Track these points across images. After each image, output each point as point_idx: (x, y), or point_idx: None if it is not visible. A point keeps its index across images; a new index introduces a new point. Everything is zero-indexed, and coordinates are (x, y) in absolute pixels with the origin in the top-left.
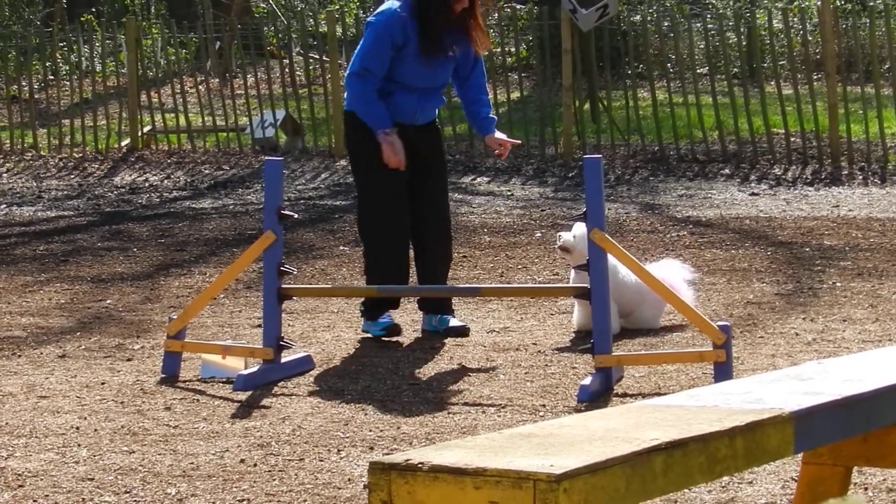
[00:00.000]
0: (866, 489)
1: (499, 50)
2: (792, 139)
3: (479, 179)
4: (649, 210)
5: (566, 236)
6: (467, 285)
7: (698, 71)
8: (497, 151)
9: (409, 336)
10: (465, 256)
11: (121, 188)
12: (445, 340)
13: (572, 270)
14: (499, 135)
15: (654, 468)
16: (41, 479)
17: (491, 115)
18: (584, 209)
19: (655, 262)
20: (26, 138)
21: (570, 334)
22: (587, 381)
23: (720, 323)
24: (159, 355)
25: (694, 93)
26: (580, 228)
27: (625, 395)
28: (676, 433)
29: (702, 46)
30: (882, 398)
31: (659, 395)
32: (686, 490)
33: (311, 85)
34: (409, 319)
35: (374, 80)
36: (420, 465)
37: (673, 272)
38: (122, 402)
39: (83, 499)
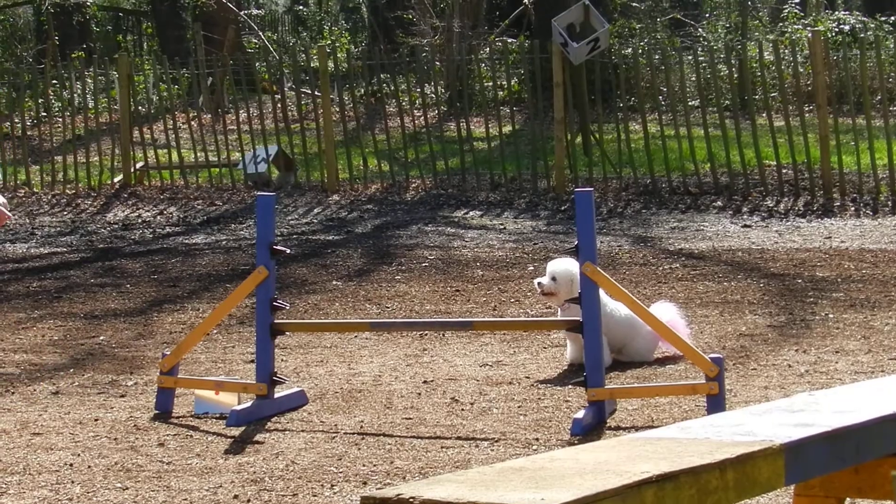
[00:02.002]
0: None
1: (490, 84)
2: (784, 171)
3: (471, 213)
4: (641, 243)
5: (545, 281)
6: (460, 319)
7: (690, 103)
8: None
9: (402, 371)
10: (457, 290)
11: (114, 224)
12: (439, 375)
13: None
14: None
15: (645, 501)
16: None
17: None
18: (576, 242)
19: (650, 305)
20: (19, 175)
21: (562, 367)
22: (580, 414)
23: (713, 355)
24: (153, 391)
25: (685, 125)
26: (557, 267)
27: (618, 427)
28: (667, 466)
29: (693, 79)
30: (873, 429)
31: (652, 427)
32: None
33: (303, 120)
34: (402, 354)
35: None
36: (411, 500)
37: (670, 311)
38: (115, 439)
39: None
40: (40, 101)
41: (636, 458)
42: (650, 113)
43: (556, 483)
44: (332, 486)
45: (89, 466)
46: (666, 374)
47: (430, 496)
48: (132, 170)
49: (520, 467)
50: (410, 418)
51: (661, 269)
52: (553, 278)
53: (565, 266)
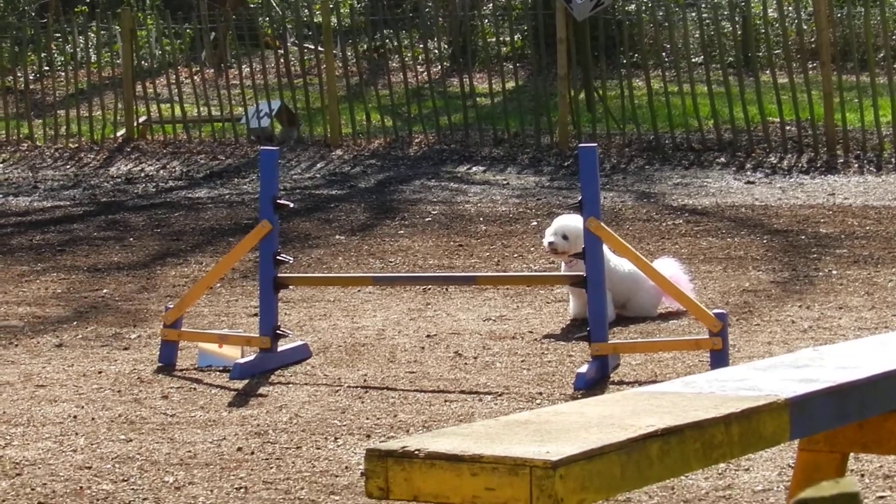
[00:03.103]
0: (862, 476)
1: (494, 39)
2: (787, 128)
3: (474, 169)
4: (645, 199)
5: (557, 241)
6: (463, 274)
7: (693, 60)
8: None
9: (405, 325)
10: (461, 245)
11: (117, 178)
12: (442, 329)
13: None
14: None
15: (650, 455)
16: (39, 468)
17: None
18: (580, 198)
19: (653, 261)
20: (22, 129)
21: (566, 322)
22: (584, 368)
23: (716, 311)
24: (156, 344)
25: (689, 82)
26: (567, 223)
27: (621, 382)
28: (672, 420)
29: (696, 36)
30: (878, 385)
31: (655, 382)
32: (683, 477)
33: (306, 75)
34: (405, 308)
35: None
36: (416, 452)
37: (673, 267)
38: (119, 391)
39: (81, 487)
40: (43, 55)
41: (641, 412)
42: (654, 69)
43: (561, 436)
44: (336, 438)
45: (93, 418)
46: (669, 329)
47: (435, 448)
48: (135, 124)
49: (525, 420)
50: (414, 372)
51: (664, 224)
52: (564, 237)
53: (575, 223)
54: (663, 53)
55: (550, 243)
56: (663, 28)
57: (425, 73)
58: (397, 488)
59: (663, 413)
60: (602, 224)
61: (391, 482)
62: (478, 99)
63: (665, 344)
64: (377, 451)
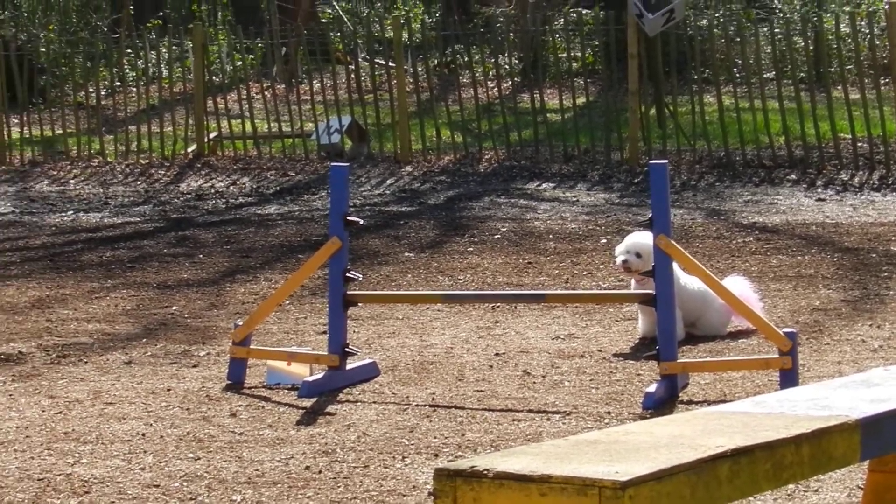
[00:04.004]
0: None
1: (564, 55)
2: (859, 144)
3: (544, 185)
4: (715, 216)
5: (629, 258)
6: (532, 291)
7: (765, 76)
8: None
9: (474, 343)
10: (530, 263)
11: (187, 194)
12: (511, 347)
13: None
14: None
15: (720, 475)
16: (107, 486)
17: None
18: (650, 215)
19: (723, 279)
20: (93, 145)
21: (634, 341)
22: (652, 387)
23: (786, 329)
24: (225, 362)
25: (760, 98)
26: (640, 241)
27: (690, 402)
28: (742, 440)
29: (768, 51)
30: None
31: (724, 402)
32: (752, 498)
33: (376, 91)
34: (474, 326)
35: None
36: (485, 472)
37: (742, 285)
38: (187, 409)
39: None
40: (115, 70)
41: (710, 431)
42: (725, 85)
43: (631, 456)
44: (404, 458)
45: (161, 436)
46: (738, 348)
47: (504, 468)
48: (206, 140)
49: (594, 440)
50: (482, 391)
51: (734, 242)
52: (637, 255)
53: (647, 241)
54: (734, 69)
55: (624, 261)
56: (735, 43)
57: (496, 88)
58: None
59: (733, 433)
60: (672, 242)
61: (460, 502)
62: (548, 115)
63: (734, 363)
64: (446, 470)
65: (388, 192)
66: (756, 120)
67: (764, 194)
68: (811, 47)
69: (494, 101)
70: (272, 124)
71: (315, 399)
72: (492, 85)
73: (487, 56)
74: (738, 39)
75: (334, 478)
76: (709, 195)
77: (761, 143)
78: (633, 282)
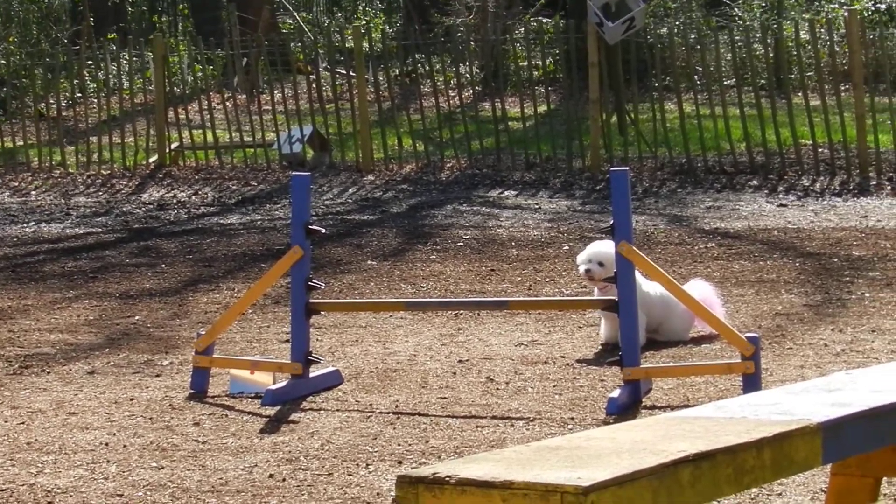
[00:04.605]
0: None
1: (525, 63)
2: (820, 150)
3: (506, 193)
4: (677, 222)
5: (592, 267)
6: (495, 298)
7: (725, 83)
8: None
9: (437, 351)
10: (492, 270)
11: (149, 204)
12: (474, 354)
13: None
14: None
15: (682, 480)
16: (70, 496)
17: None
18: (612, 221)
19: (685, 284)
20: (54, 156)
21: (597, 347)
22: (616, 393)
23: (749, 334)
24: (188, 371)
25: (721, 104)
26: (599, 252)
27: (654, 407)
28: (704, 445)
29: (729, 58)
30: None
31: (687, 406)
32: (715, 502)
33: (338, 100)
34: (437, 334)
35: None
36: (447, 479)
37: (705, 289)
38: (150, 418)
39: None
40: (75, 82)
41: (673, 436)
42: (686, 92)
43: (593, 462)
44: (368, 465)
45: (125, 446)
46: (702, 353)
47: (466, 475)
48: (167, 150)
49: (556, 446)
50: (446, 398)
51: (696, 248)
52: (600, 263)
53: (609, 249)
54: (695, 76)
55: (587, 270)
56: (695, 51)
57: (457, 97)
58: None
59: (695, 438)
60: (634, 248)
61: None
62: (509, 123)
63: (697, 368)
64: (408, 477)
65: (350, 200)
66: (717, 126)
67: (726, 200)
68: (771, 54)
69: (456, 109)
70: (233, 134)
71: (279, 407)
72: (453, 94)
73: (448, 65)
74: (699, 47)
75: (298, 486)
76: (671, 201)
77: (722, 150)
78: (595, 289)
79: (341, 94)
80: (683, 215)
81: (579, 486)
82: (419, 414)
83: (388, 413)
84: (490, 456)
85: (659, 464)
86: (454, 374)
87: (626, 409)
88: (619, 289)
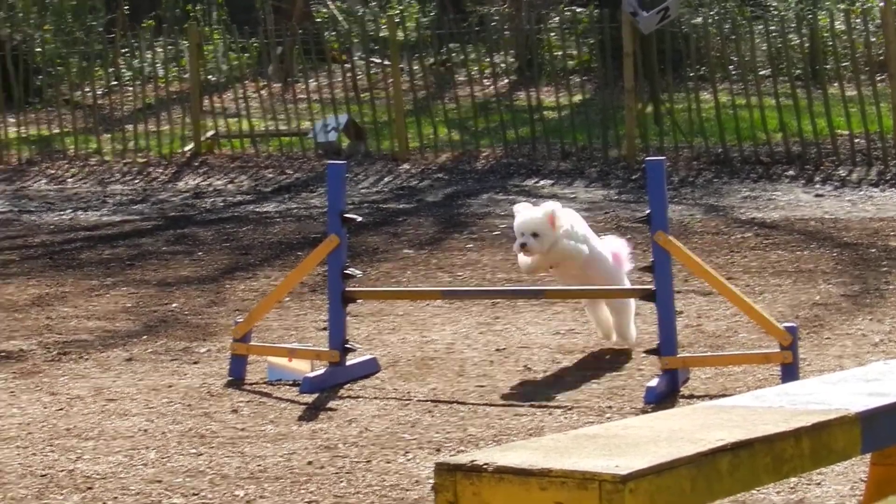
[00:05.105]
0: None
1: (560, 53)
2: (856, 140)
3: (542, 182)
4: (713, 212)
5: (528, 241)
6: (532, 287)
7: (760, 73)
8: None
9: (474, 339)
10: None
11: (185, 192)
12: (512, 343)
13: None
14: None
15: (720, 469)
16: (110, 482)
17: None
18: (648, 211)
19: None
20: (90, 144)
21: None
22: (654, 382)
23: (786, 324)
24: (225, 358)
25: (757, 95)
26: (529, 221)
27: (691, 396)
28: (742, 434)
29: (764, 48)
30: None
31: (725, 396)
32: (754, 491)
33: (372, 89)
34: (474, 322)
35: None
36: (486, 466)
37: (618, 244)
38: (189, 405)
39: (152, 501)
40: (111, 70)
41: (710, 426)
42: (721, 82)
43: (631, 450)
44: (406, 453)
45: (163, 432)
46: (739, 342)
47: (504, 462)
48: (203, 138)
49: (594, 434)
50: (483, 386)
51: (733, 238)
52: (534, 234)
53: (539, 215)
54: (730, 66)
55: (522, 245)
56: (730, 41)
57: (492, 86)
58: (466, 502)
59: (733, 427)
60: (671, 238)
61: (460, 496)
62: (545, 112)
63: (735, 358)
64: (446, 464)
65: (385, 189)
66: (753, 117)
67: (762, 190)
68: (807, 44)
69: (491, 99)
70: (269, 123)
71: (316, 395)
72: (488, 83)
73: (483, 54)
74: (734, 37)
75: (336, 473)
76: (707, 191)
77: (758, 140)
78: (526, 259)
79: (376, 83)
80: (720, 205)
81: (617, 474)
82: (457, 402)
83: (426, 401)
84: (528, 444)
85: (697, 452)
86: (491, 362)
87: (663, 398)
88: (656, 278)
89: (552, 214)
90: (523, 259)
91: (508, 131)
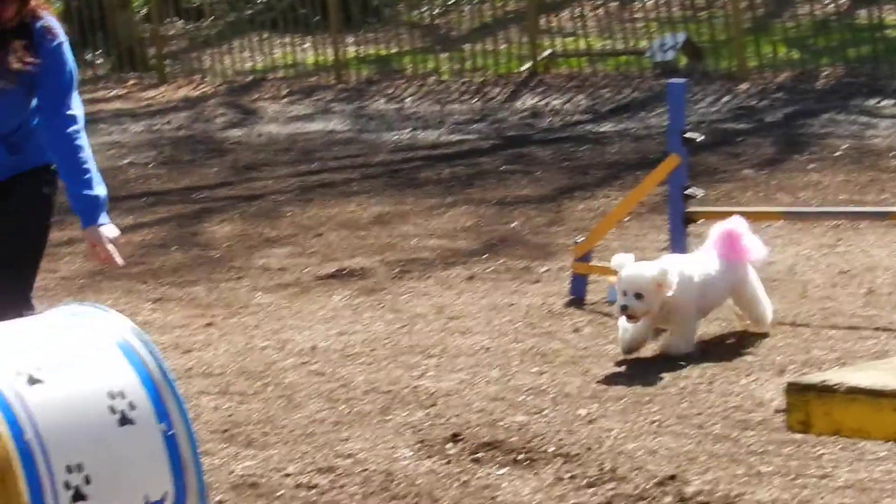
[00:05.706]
0: None
1: None
2: None
3: (884, 102)
4: None
5: (629, 302)
6: (877, 209)
7: None
8: (93, 256)
9: (816, 261)
10: (871, 180)
11: (522, 112)
12: (855, 265)
13: None
14: (105, 232)
15: None
16: (453, 398)
17: (89, 193)
18: None
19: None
20: (428, 63)
21: None
22: None
23: None
24: (565, 278)
25: None
26: (634, 280)
27: None
28: None
29: None
30: None
31: None
32: None
33: (710, 7)
34: (816, 244)
35: None
36: (837, 387)
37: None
38: (530, 324)
39: (494, 419)
40: None
41: None
42: None
43: None
44: (748, 374)
45: (504, 351)
46: None
47: (855, 383)
48: (539, 58)
49: None
50: (826, 308)
51: None
52: (638, 295)
53: (648, 274)
54: None
55: (623, 307)
56: None
57: (832, 4)
58: (818, 422)
59: None
60: None
61: (812, 416)
62: (886, 31)
63: None
64: (797, 384)
65: (724, 109)
66: None
67: None
68: None
69: (831, 16)
70: (606, 42)
71: None
72: (827, 1)
73: None
74: None
75: (678, 393)
76: None
77: None
78: (628, 325)
79: (714, 1)
80: None
81: None
82: (799, 324)
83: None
84: (879, 364)
85: None
86: (834, 285)
87: None
88: None
89: (664, 278)
90: (623, 327)
91: (849, 50)
